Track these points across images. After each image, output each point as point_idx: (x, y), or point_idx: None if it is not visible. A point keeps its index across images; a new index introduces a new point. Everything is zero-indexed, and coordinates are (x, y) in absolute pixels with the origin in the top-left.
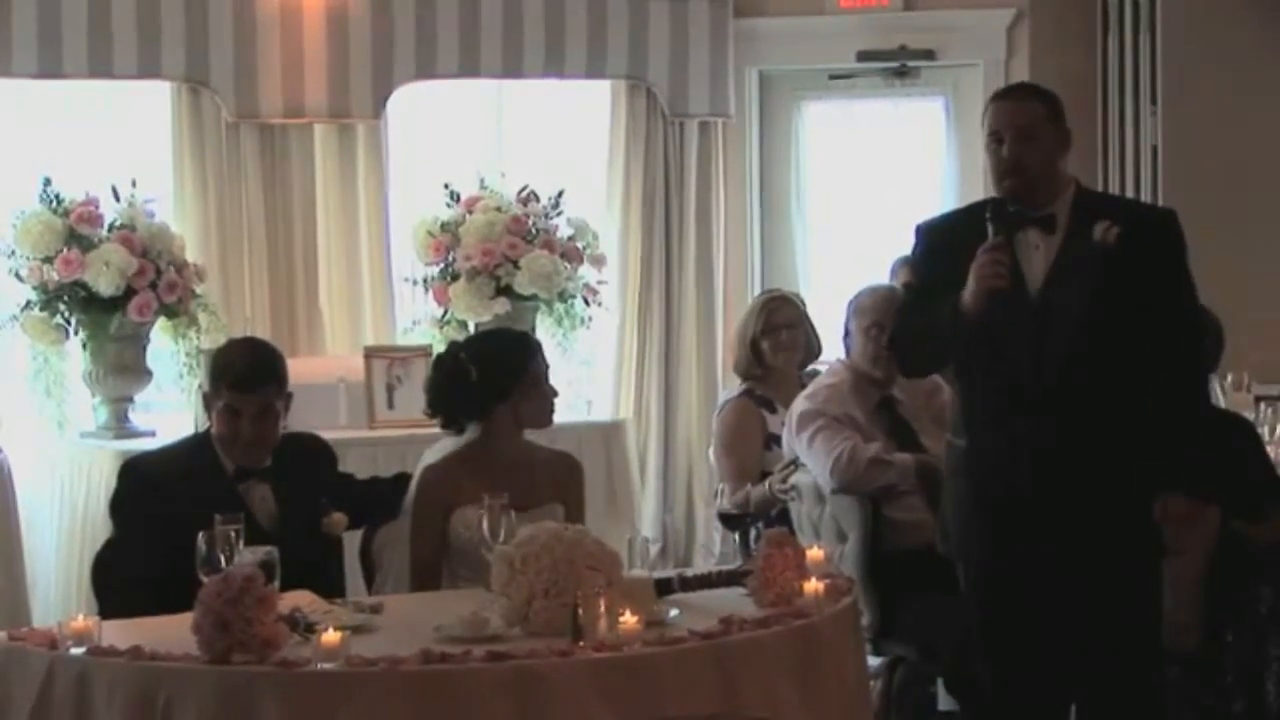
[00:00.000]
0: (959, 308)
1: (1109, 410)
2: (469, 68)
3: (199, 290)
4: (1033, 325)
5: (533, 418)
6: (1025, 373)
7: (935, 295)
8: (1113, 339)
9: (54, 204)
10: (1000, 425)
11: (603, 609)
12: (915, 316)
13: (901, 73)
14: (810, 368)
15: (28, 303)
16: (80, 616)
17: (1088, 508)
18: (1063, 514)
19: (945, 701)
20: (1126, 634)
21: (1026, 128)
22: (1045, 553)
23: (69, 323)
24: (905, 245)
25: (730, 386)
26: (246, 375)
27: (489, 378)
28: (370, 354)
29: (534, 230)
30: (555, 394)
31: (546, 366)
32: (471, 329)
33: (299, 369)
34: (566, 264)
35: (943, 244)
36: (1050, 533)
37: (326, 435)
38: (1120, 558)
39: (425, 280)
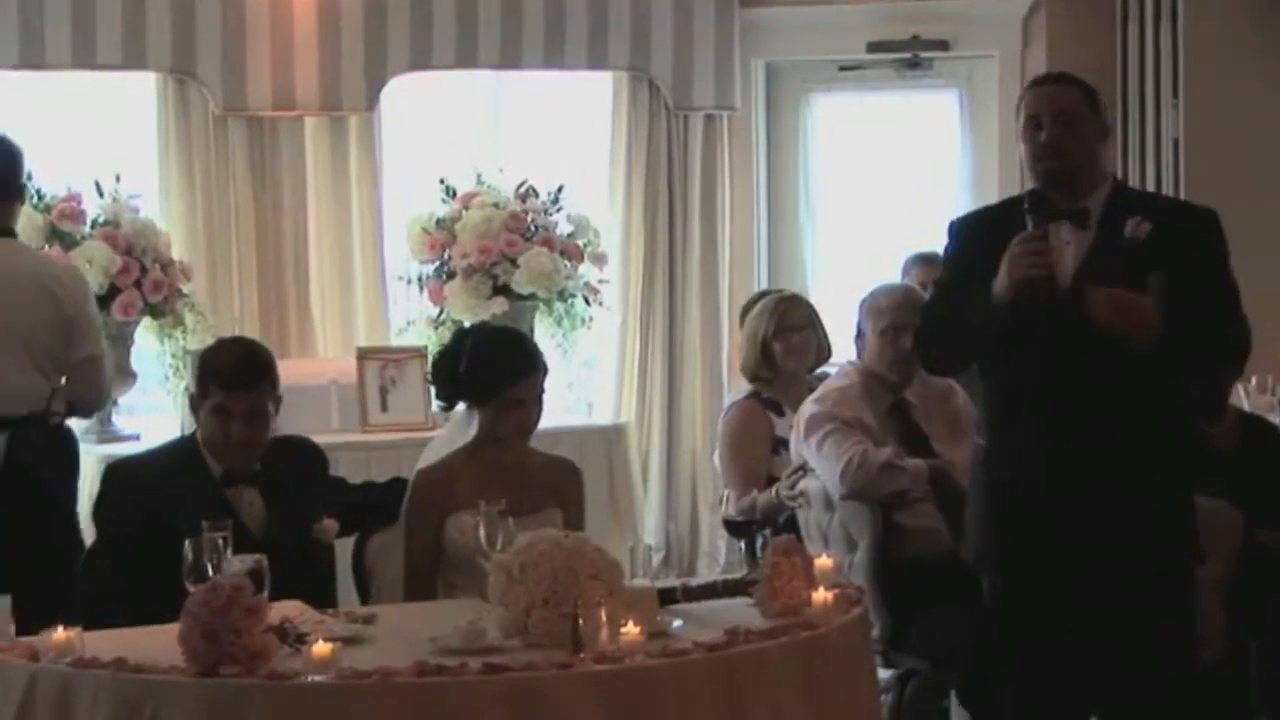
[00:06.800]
0: (991, 299)
1: (1131, 413)
2: (466, 59)
3: (185, 289)
4: (1058, 322)
5: (501, 433)
6: (1046, 371)
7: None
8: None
9: (35, 199)
10: (1018, 425)
11: (604, 619)
12: (943, 307)
13: (914, 64)
14: (818, 370)
15: None
16: (61, 627)
17: (1108, 514)
18: (1081, 520)
19: (958, 716)
20: (1155, 648)
21: (1066, 112)
22: (1063, 563)
23: None
24: (918, 242)
25: (736, 389)
26: (237, 372)
27: (474, 379)
28: (363, 355)
29: (533, 227)
30: (537, 420)
31: (541, 391)
32: None
33: (289, 370)
34: (566, 262)
35: (977, 240)
36: (1068, 540)
37: (318, 439)
38: (1145, 570)
39: (420, 279)
